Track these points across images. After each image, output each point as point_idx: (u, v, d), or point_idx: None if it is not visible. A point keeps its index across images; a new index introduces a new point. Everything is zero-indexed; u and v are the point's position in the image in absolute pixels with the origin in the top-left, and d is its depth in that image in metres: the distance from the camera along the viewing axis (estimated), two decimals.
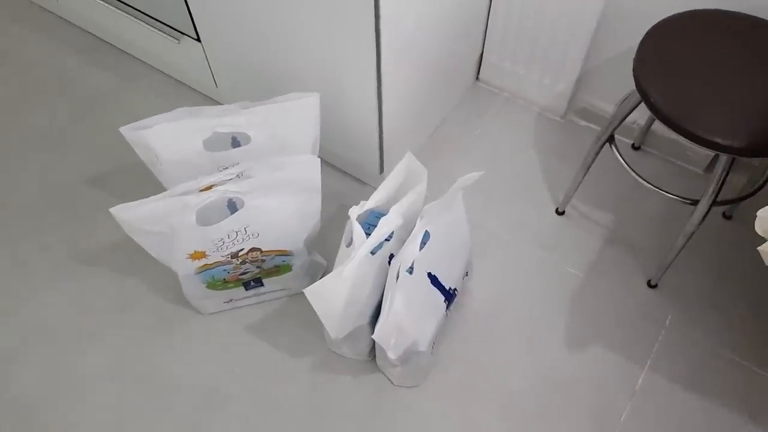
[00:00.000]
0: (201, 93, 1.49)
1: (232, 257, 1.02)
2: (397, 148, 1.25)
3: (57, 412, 1.07)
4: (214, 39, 1.23)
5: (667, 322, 1.16)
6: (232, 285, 1.10)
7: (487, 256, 1.23)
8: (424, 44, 1.14)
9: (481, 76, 1.50)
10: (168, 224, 0.93)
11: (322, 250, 1.19)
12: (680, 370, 1.11)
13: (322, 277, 0.91)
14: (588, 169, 1.18)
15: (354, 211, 0.90)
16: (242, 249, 1.01)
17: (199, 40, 1.27)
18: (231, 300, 1.15)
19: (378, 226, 0.88)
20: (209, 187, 0.92)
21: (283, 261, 1.08)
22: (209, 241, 0.97)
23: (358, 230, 0.88)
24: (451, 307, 1.10)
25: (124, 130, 0.98)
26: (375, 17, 0.91)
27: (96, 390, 1.10)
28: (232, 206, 1.00)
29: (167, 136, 0.98)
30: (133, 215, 0.90)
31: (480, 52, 1.44)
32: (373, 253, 0.91)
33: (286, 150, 1.04)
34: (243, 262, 1.04)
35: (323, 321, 0.91)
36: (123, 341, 1.15)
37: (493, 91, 1.50)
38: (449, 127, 1.43)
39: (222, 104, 1.05)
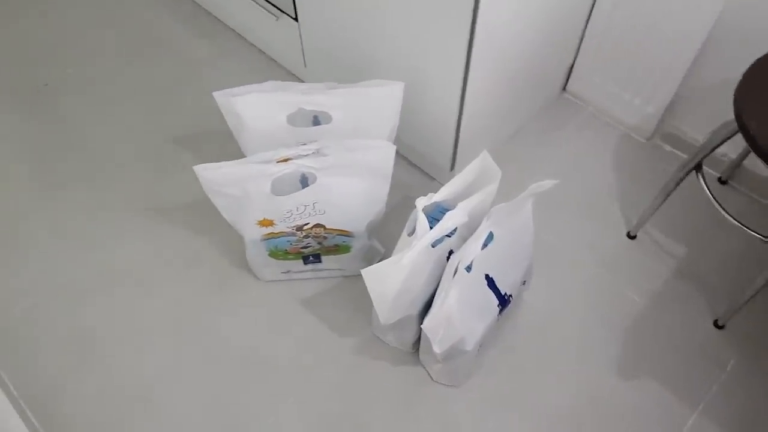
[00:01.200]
0: (289, 71, 1.53)
1: (296, 229, 1.05)
2: (472, 148, 1.25)
3: (116, 349, 1.14)
4: (310, 20, 1.27)
5: (729, 366, 1.10)
6: (292, 257, 1.13)
7: (549, 269, 1.21)
8: (517, 45, 1.13)
9: (568, 86, 1.47)
10: (244, 189, 0.97)
11: (381, 237, 1.21)
12: (734, 419, 1.05)
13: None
14: (668, 195, 1.14)
15: (421, 202, 0.91)
16: (307, 223, 1.04)
17: (296, 19, 1.31)
18: (289, 271, 1.18)
19: (443, 219, 0.89)
20: (286, 160, 0.96)
21: (344, 241, 1.10)
22: (278, 210, 1.00)
23: (422, 220, 0.89)
24: (504, 313, 1.09)
25: (217, 95, 1.02)
26: (473, 10, 0.91)
27: (154, 334, 1.16)
28: (304, 181, 1.03)
29: (255, 106, 1.02)
30: (213, 175, 0.95)
31: (571, 62, 1.41)
32: (433, 245, 0.92)
33: (364, 134, 1.06)
34: (306, 236, 1.07)
35: (375, 303, 0.93)
36: (184, 294, 1.21)
37: (578, 104, 1.46)
38: (528, 133, 1.42)
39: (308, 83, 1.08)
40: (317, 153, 0.98)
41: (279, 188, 0.99)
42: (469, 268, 0.91)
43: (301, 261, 1.15)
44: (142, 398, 1.09)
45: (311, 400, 1.08)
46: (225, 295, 1.20)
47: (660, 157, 1.37)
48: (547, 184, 0.90)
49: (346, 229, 1.07)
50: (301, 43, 1.37)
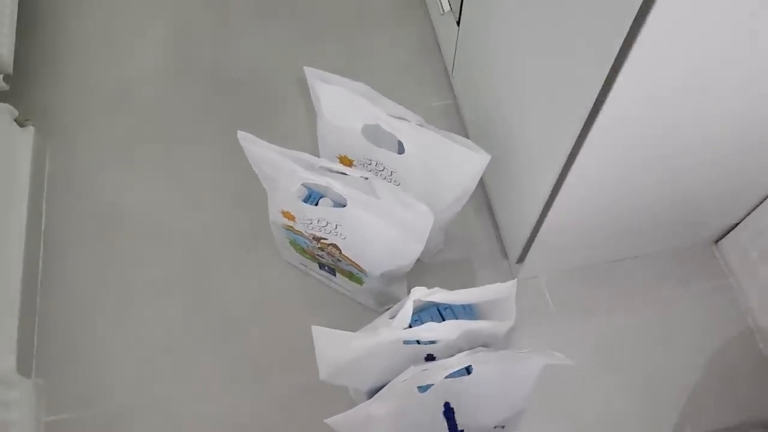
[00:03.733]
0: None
1: (313, 239, 0.99)
2: (552, 252, 1.07)
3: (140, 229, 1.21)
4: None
5: None
6: (308, 257, 1.08)
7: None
8: (657, 170, 0.89)
9: (721, 243, 1.18)
10: (276, 176, 0.91)
11: (411, 281, 1.10)
12: None
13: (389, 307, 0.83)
14: None
15: (417, 293, 0.79)
16: (325, 239, 0.97)
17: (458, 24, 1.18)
18: (306, 266, 1.13)
19: (423, 327, 0.76)
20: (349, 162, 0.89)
21: (357, 273, 1.02)
22: (301, 213, 0.94)
23: (405, 314, 0.77)
24: None
25: (308, 70, 0.96)
26: (593, 105, 0.72)
27: (173, 241, 1.20)
28: (340, 198, 0.95)
29: (336, 100, 0.94)
30: (252, 149, 0.90)
31: (738, 221, 1.13)
32: (406, 342, 0.80)
33: (432, 182, 0.95)
34: (321, 248, 1.00)
35: (318, 359, 0.84)
36: (206, 237, 1.22)
37: (720, 266, 1.18)
38: (634, 268, 1.17)
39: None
40: (365, 178, 0.89)
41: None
42: (423, 389, 0.78)
43: (317, 265, 1.09)
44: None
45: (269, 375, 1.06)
46: (242, 254, 1.19)
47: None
48: (563, 360, 0.73)
49: (360, 265, 0.98)
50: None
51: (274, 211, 0.99)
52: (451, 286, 0.85)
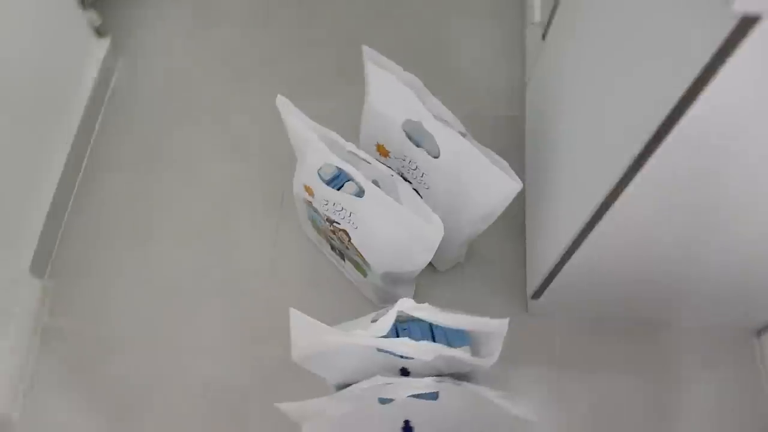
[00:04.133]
0: None
1: (326, 220, 0.97)
2: (552, 298, 1.01)
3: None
4: None
5: None
6: (323, 236, 1.06)
7: None
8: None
9: (765, 336, 1.07)
10: (304, 150, 0.90)
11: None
12: None
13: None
14: None
15: (403, 304, 0.75)
16: (338, 223, 0.95)
17: None
18: (320, 244, 1.12)
19: (399, 341, 0.73)
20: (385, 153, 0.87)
21: (362, 265, 0.99)
22: (320, 191, 0.92)
23: (385, 322, 0.74)
24: None
25: (366, 50, 0.92)
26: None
27: (205, 188, 1.22)
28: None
29: (384, 87, 0.91)
30: (288, 117, 0.89)
31: None
32: (379, 350, 0.77)
33: (456, 194, 0.91)
34: (333, 232, 0.98)
35: (292, 342, 0.83)
36: (237, 191, 1.22)
37: (753, 359, 1.07)
38: (639, 337, 1.08)
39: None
40: (392, 175, 0.86)
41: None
42: (385, 401, 0.76)
43: (329, 246, 1.08)
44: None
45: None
46: (262, 217, 1.19)
47: None
48: (525, 411, 0.68)
49: (365, 259, 0.95)
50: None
51: (298, 183, 0.98)
52: (457, 303, 0.81)
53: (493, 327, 0.75)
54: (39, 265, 1.11)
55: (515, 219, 1.14)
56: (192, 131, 1.28)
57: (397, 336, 0.79)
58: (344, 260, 1.07)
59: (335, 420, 0.75)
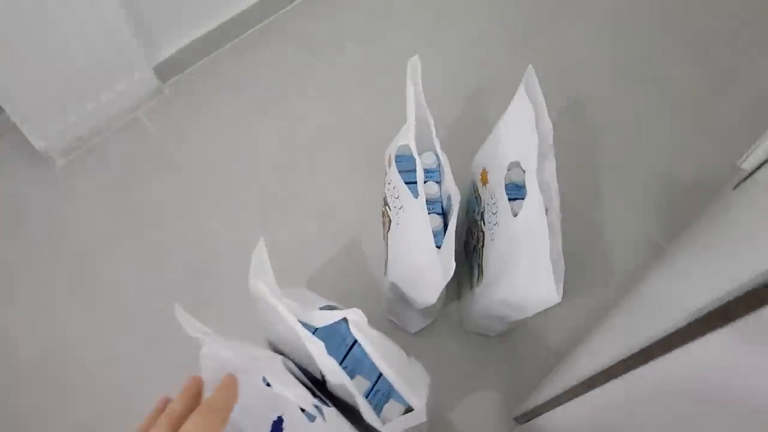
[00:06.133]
0: None
1: (383, 198, 0.89)
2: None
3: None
4: None
5: None
6: (381, 211, 0.99)
7: None
8: None
9: None
10: (410, 121, 0.82)
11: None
12: None
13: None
14: None
15: (352, 314, 0.67)
16: (389, 207, 0.87)
17: None
18: (382, 217, 1.05)
19: (312, 339, 0.66)
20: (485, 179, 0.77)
21: (385, 261, 0.91)
22: (392, 167, 0.85)
23: (323, 318, 0.67)
24: None
25: (529, 71, 0.80)
26: None
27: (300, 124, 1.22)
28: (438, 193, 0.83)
29: (518, 119, 0.79)
30: (410, 86, 0.81)
31: None
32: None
33: (505, 261, 0.77)
34: (382, 214, 0.91)
35: (250, 269, 0.77)
36: (333, 131, 1.19)
37: None
38: None
39: None
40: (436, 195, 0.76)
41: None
42: (268, 385, 0.69)
43: (381, 223, 1.01)
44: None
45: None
46: (349, 171, 1.15)
47: None
48: None
49: (388, 257, 0.87)
50: None
51: (392, 146, 0.90)
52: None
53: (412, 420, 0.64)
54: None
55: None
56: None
57: (350, 350, 0.72)
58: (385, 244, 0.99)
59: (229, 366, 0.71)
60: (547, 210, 0.72)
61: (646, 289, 0.70)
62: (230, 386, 0.46)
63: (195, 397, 0.46)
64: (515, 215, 0.76)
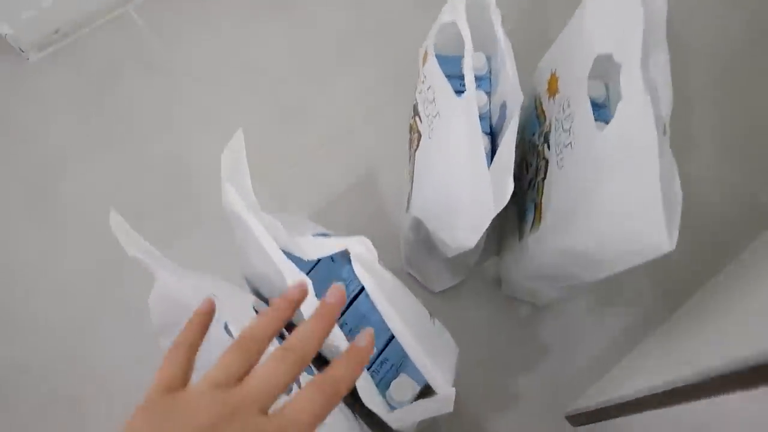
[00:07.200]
0: None
1: (413, 108, 0.67)
2: None
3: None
4: None
5: None
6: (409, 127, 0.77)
7: None
8: None
9: None
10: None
11: None
12: None
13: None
14: None
15: (354, 246, 0.45)
16: (419, 117, 0.65)
17: None
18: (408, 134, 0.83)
19: (290, 267, 0.44)
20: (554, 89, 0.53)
21: (408, 192, 0.69)
22: (431, 61, 0.62)
23: (319, 248, 0.45)
24: None
25: None
26: None
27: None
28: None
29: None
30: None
31: None
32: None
33: (586, 191, 0.54)
34: (411, 128, 0.69)
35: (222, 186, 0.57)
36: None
37: None
38: None
39: None
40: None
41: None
42: (229, 334, 0.48)
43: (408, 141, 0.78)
44: None
45: None
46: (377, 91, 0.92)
47: None
48: None
49: (413, 185, 0.65)
50: None
51: (430, 37, 0.67)
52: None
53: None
54: None
55: None
56: None
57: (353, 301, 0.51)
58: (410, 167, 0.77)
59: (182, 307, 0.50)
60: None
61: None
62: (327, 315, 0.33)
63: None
64: (605, 123, 0.52)
